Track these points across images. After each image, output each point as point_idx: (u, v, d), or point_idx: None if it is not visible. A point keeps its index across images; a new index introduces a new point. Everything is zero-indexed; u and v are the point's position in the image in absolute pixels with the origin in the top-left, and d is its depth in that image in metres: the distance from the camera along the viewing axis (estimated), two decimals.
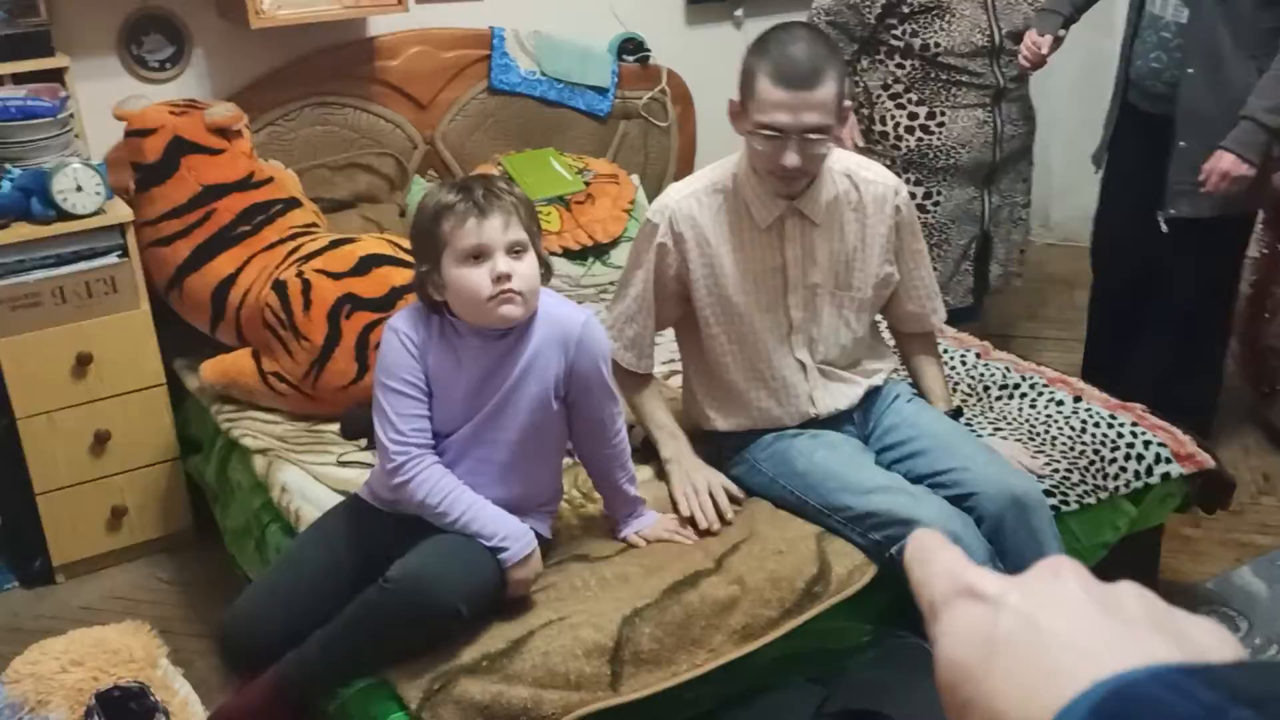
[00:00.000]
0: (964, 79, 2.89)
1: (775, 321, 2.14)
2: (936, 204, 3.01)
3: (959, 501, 1.99)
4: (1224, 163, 2.55)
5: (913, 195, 2.99)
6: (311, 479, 2.29)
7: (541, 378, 1.87)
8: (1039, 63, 2.86)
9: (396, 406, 1.84)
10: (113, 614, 2.60)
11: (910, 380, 2.36)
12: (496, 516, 1.84)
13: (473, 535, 1.81)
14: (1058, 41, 2.86)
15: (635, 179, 3.58)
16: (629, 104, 3.66)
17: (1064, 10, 2.87)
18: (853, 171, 2.14)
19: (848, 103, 2.05)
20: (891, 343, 2.40)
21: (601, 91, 3.61)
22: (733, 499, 2.10)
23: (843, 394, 2.19)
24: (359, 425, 2.46)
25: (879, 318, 2.34)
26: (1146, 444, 2.27)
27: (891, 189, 2.16)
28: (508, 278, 1.77)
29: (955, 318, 2.87)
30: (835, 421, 2.19)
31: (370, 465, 2.32)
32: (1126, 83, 2.83)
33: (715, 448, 2.21)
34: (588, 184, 3.37)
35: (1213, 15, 2.55)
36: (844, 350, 2.18)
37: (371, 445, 2.39)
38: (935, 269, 2.96)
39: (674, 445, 2.16)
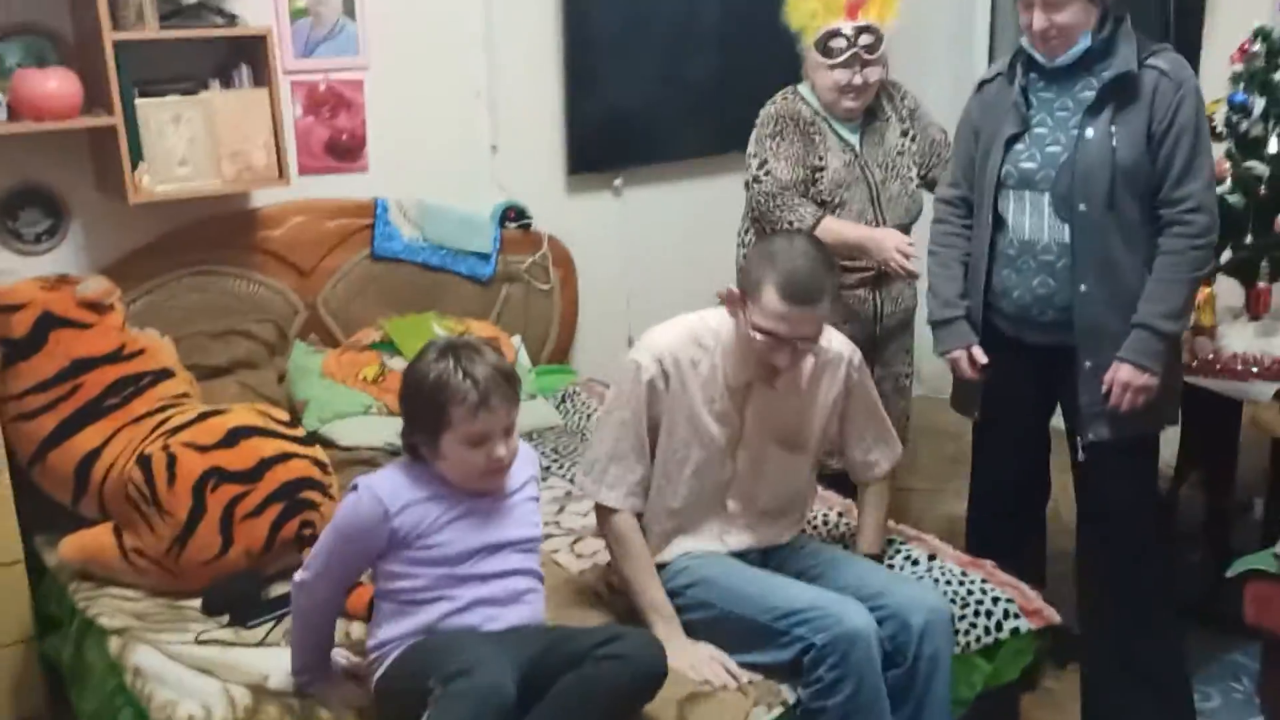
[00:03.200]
0: (846, 263, 2.89)
1: (719, 473, 2.31)
2: None
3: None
4: (1122, 373, 2.44)
5: None
6: (167, 659, 2.24)
7: (524, 515, 2.13)
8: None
9: (332, 555, 2.05)
10: None
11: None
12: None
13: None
14: None
15: (517, 340, 3.66)
16: (511, 268, 3.76)
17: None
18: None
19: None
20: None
21: (484, 257, 3.71)
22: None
23: (754, 537, 2.36)
24: (223, 600, 2.43)
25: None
26: (995, 600, 2.35)
27: (845, 357, 2.38)
28: (502, 459, 2.00)
29: (838, 481, 2.85)
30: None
31: (229, 643, 2.30)
32: (989, 316, 2.64)
33: None
34: None
35: (1102, 226, 2.43)
36: (777, 498, 2.38)
37: (234, 621, 2.37)
38: None
39: (666, 627, 2.20)
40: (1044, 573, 2.87)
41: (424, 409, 1.98)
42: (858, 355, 2.41)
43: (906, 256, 2.76)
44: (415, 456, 2.06)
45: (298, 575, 2.08)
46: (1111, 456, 2.54)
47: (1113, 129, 2.41)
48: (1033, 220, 2.52)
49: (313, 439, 2.83)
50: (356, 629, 2.30)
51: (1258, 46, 3.05)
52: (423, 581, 2.02)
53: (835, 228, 2.82)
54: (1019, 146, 2.53)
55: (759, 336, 2.14)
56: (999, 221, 2.58)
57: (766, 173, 2.89)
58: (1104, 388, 2.46)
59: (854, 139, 2.94)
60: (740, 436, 2.30)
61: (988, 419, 2.78)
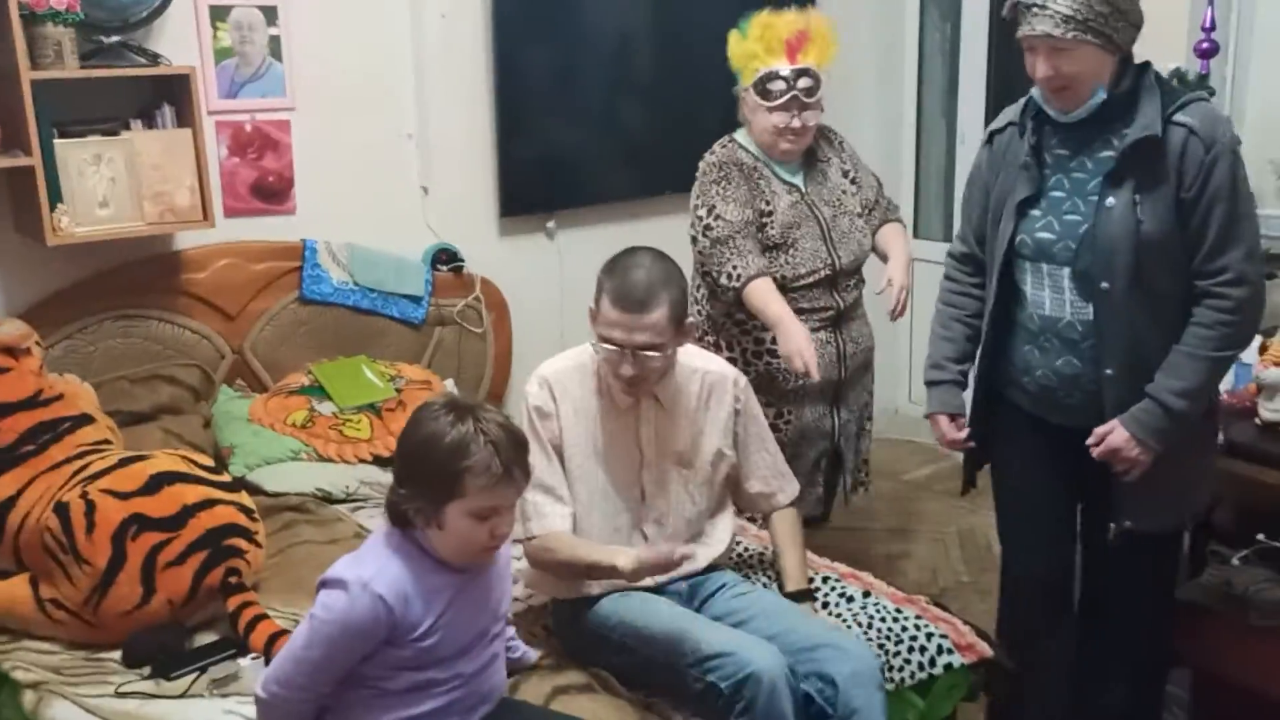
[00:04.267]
0: (805, 305, 2.89)
1: (631, 495, 2.34)
2: (788, 423, 2.96)
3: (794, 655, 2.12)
4: (1115, 438, 2.22)
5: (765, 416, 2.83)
6: (85, 713, 2.17)
7: (504, 582, 2.01)
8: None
9: (324, 666, 1.82)
10: None
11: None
12: None
13: None
14: None
15: (449, 384, 3.62)
16: (444, 311, 3.74)
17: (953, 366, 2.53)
18: (696, 365, 2.40)
19: (690, 319, 2.29)
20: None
21: (416, 300, 3.68)
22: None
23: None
24: (144, 650, 2.36)
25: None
26: (929, 636, 2.35)
27: (730, 378, 2.42)
28: (506, 536, 1.88)
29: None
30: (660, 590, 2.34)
31: (151, 695, 2.22)
32: (1009, 392, 2.44)
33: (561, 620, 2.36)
34: (399, 391, 3.39)
35: (1128, 306, 2.19)
36: (688, 523, 2.40)
37: (156, 673, 2.30)
38: None
39: (626, 556, 2.16)
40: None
41: (435, 474, 1.76)
42: (743, 379, 2.45)
43: (805, 365, 2.67)
44: (398, 522, 1.84)
45: (270, 690, 1.83)
46: (1141, 547, 2.35)
47: (1137, 198, 2.15)
48: (1053, 296, 2.28)
49: (239, 485, 2.77)
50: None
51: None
52: (396, 685, 1.83)
53: (764, 294, 2.77)
54: (1034, 213, 2.29)
55: (602, 345, 2.22)
56: (1017, 293, 2.35)
57: (716, 218, 2.85)
58: (1090, 440, 2.25)
59: (797, 179, 2.96)
60: (641, 457, 2.34)
61: (1012, 507, 2.56)
